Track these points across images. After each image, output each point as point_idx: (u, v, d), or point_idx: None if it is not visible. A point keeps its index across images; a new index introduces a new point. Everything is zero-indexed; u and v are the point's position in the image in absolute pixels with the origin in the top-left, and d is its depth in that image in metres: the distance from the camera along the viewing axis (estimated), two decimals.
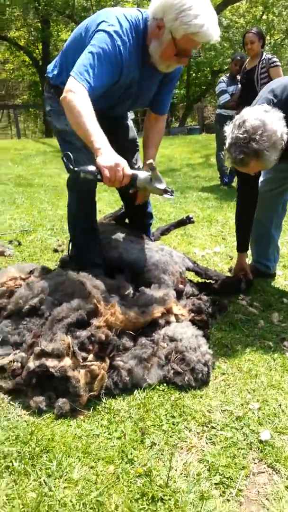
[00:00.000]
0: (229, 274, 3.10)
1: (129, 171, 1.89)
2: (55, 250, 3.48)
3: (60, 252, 3.42)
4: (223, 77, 6.70)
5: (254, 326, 2.50)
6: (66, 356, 1.71)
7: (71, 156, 1.90)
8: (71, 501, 1.34)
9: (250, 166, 2.27)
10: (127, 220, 2.99)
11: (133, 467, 1.49)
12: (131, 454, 1.54)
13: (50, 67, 2.38)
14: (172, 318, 2.14)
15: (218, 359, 2.14)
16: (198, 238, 3.99)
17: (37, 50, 20.75)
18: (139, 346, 1.92)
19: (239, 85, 6.16)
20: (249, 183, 2.66)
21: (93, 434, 1.62)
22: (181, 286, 2.53)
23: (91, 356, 1.76)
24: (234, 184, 6.63)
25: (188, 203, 5.49)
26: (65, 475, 1.43)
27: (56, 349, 1.70)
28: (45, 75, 2.40)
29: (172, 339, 2.01)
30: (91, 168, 1.89)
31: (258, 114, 2.19)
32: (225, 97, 6.44)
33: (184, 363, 1.92)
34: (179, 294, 2.48)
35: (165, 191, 2.00)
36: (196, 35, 1.97)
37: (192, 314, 2.35)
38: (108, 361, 1.80)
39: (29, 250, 3.47)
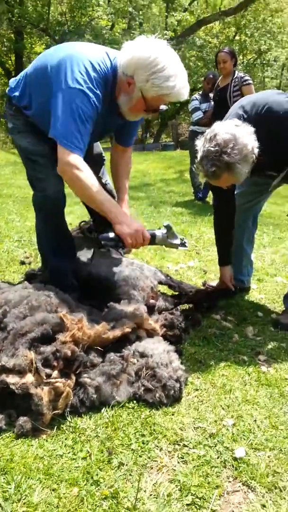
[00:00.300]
0: (203, 288, 3.04)
1: (147, 234, 2.07)
2: (22, 262, 3.36)
3: (27, 265, 3.31)
4: (196, 95, 6.77)
5: (228, 340, 2.44)
6: (28, 373, 1.61)
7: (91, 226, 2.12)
8: None
9: (221, 179, 2.27)
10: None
11: (98, 488, 1.39)
12: (97, 475, 1.44)
13: (12, 83, 2.30)
14: (143, 333, 2.06)
15: (191, 375, 2.05)
16: (171, 253, 3.93)
17: (9, 61, 20.45)
18: (107, 363, 1.83)
19: (212, 103, 6.24)
20: (225, 198, 2.65)
21: (56, 455, 1.52)
22: (152, 301, 2.45)
23: (55, 373, 1.66)
24: (209, 199, 6.64)
25: (161, 217, 5.44)
26: (24, 499, 1.33)
27: (18, 365, 1.60)
28: (6, 91, 2.32)
29: (142, 355, 1.93)
30: (112, 235, 2.07)
31: (229, 128, 2.20)
32: (198, 114, 6.51)
33: (155, 379, 1.84)
34: (151, 309, 2.40)
35: (181, 245, 2.26)
36: (167, 96, 1.99)
37: (165, 329, 2.27)
38: (74, 378, 1.70)
39: None
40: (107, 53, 2.08)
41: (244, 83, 5.47)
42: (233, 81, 5.51)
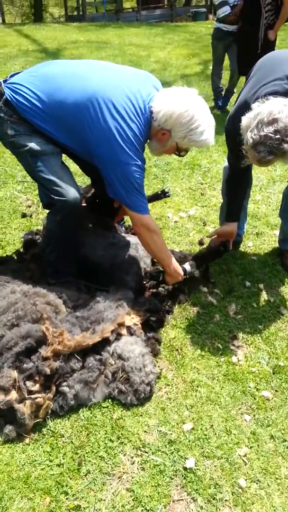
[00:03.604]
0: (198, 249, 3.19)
1: (182, 277, 2.64)
2: (24, 215, 3.47)
3: (29, 218, 3.43)
4: None
5: (209, 320, 2.62)
6: (12, 390, 1.86)
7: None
8: None
9: (271, 164, 2.18)
10: None
11: (67, 498, 1.72)
12: (67, 485, 1.76)
13: (13, 94, 2.18)
14: (123, 331, 2.26)
15: (165, 367, 2.30)
16: (175, 195, 3.97)
17: None
18: (86, 370, 2.06)
19: None
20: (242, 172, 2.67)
21: (35, 462, 1.83)
22: (144, 283, 2.64)
23: (37, 386, 1.91)
24: (229, 107, 6.34)
25: None
26: (4, 510, 1.66)
27: (2, 385, 1.85)
28: (4, 96, 2.19)
29: (120, 357, 2.15)
30: (160, 277, 2.65)
31: (285, 111, 2.03)
32: (225, 10, 5.86)
33: (128, 383, 2.08)
34: (142, 291, 2.61)
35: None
36: (198, 146, 2.28)
37: (148, 314, 2.46)
38: (54, 388, 1.96)
39: None
40: (144, 105, 2.18)
41: None
42: None
